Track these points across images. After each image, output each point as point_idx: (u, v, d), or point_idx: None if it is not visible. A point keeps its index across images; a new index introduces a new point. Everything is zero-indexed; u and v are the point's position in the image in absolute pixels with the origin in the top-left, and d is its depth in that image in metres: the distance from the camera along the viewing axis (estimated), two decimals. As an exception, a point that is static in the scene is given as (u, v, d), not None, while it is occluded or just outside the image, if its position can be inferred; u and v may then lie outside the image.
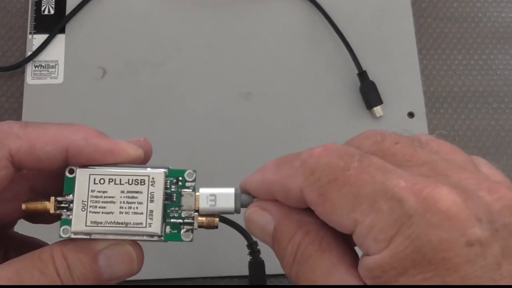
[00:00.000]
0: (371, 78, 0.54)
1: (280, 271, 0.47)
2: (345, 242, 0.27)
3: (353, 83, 0.54)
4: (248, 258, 0.35)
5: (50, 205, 0.30)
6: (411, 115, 0.54)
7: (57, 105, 0.53)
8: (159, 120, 0.53)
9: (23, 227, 0.38)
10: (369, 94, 0.53)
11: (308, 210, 0.27)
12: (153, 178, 0.30)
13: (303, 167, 0.26)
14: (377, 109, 0.53)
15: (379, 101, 0.53)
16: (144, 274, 0.48)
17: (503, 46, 0.57)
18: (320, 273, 0.26)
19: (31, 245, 0.35)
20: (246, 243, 0.35)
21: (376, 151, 0.26)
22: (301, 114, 0.54)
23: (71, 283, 0.29)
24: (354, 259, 0.26)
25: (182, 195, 0.30)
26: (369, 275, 0.24)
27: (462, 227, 0.22)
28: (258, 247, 0.35)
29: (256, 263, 0.36)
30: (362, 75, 0.54)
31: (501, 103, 0.55)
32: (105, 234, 0.29)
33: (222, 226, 0.33)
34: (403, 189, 0.23)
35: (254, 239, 0.34)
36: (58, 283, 0.28)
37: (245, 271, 0.36)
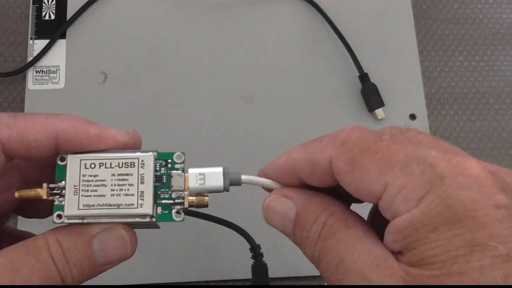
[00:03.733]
0: (372, 80, 0.54)
1: (283, 274, 0.48)
2: (367, 223, 0.27)
3: (354, 86, 0.54)
4: (251, 261, 0.35)
5: (42, 192, 0.30)
6: (412, 117, 0.54)
7: (59, 110, 0.53)
8: (160, 124, 0.53)
9: (18, 225, 0.39)
10: (371, 97, 0.53)
11: (330, 195, 0.28)
12: (142, 161, 0.30)
13: (333, 140, 0.27)
14: (379, 112, 0.53)
15: (380, 103, 0.53)
16: (147, 278, 0.48)
17: (504, 47, 0.57)
18: (346, 245, 0.26)
19: (24, 239, 0.35)
20: (249, 246, 0.34)
21: (402, 137, 0.27)
22: (302, 117, 0.54)
23: (66, 269, 0.29)
24: (378, 237, 0.26)
25: (172, 176, 0.31)
26: (399, 237, 0.24)
27: (490, 192, 0.23)
28: (261, 250, 0.35)
29: (259, 266, 0.35)
30: (363, 77, 0.54)
31: (503, 105, 0.55)
32: (98, 216, 0.30)
33: (224, 230, 0.33)
34: (435, 156, 0.25)
35: (257, 242, 0.34)
36: (53, 268, 0.29)
37: (248, 275, 0.36)
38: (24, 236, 0.36)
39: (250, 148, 0.52)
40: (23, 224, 0.47)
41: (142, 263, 0.48)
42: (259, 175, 0.31)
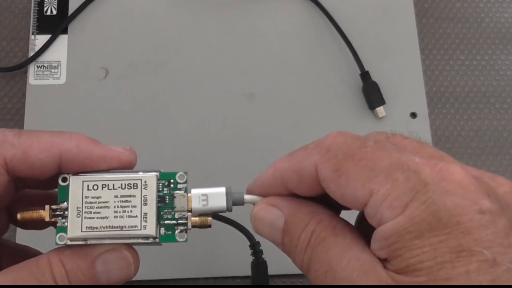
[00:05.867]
0: (373, 78, 0.54)
1: (282, 271, 0.48)
2: (356, 230, 0.27)
3: (355, 84, 0.54)
4: (251, 258, 0.35)
5: (45, 214, 0.30)
6: (413, 115, 0.54)
7: (60, 106, 0.53)
8: (161, 121, 0.53)
9: (19, 235, 0.39)
10: (372, 95, 0.53)
11: (318, 203, 0.28)
12: (145, 182, 0.30)
13: (318, 147, 0.27)
14: (380, 110, 0.53)
15: (381, 102, 0.53)
16: (146, 274, 0.48)
17: (506, 46, 0.57)
18: (334, 252, 0.26)
19: (24, 253, 0.35)
20: (248, 243, 0.35)
21: (387, 143, 0.27)
22: (303, 114, 0.54)
23: None
24: (366, 243, 0.26)
25: (175, 197, 0.30)
26: (384, 244, 0.24)
27: (474, 197, 0.23)
28: (260, 248, 0.35)
29: (259, 264, 0.36)
30: (365, 75, 0.54)
31: (504, 104, 0.55)
32: (101, 238, 0.29)
33: (224, 226, 0.33)
34: (419, 163, 0.25)
35: (257, 239, 0.34)
36: None
37: (247, 272, 0.36)
38: (24, 250, 0.36)
39: (250, 145, 0.52)
40: (22, 236, 0.47)
41: (140, 259, 0.48)
42: (247, 190, 0.31)
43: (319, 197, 0.29)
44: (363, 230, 0.27)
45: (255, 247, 0.35)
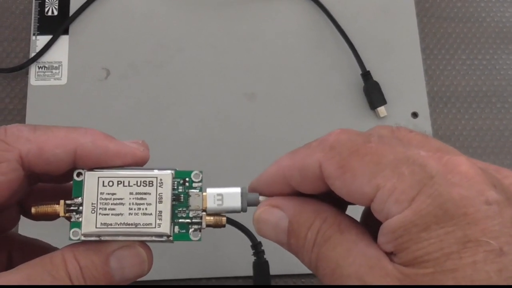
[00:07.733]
0: (374, 78, 0.54)
1: (284, 271, 0.48)
2: (361, 226, 0.27)
3: (356, 84, 0.54)
4: (253, 258, 0.35)
5: (59, 208, 0.30)
6: (415, 115, 0.54)
7: (61, 106, 0.53)
8: (162, 121, 0.53)
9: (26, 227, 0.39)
10: (373, 94, 0.53)
11: (321, 200, 0.28)
12: (161, 179, 0.30)
13: (321, 144, 0.27)
14: (381, 109, 0.53)
15: (383, 101, 0.53)
16: (149, 274, 0.48)
17: (507, 46, 0.57)
18: (340, 250, 0.26)
19: (34, 246, 0.35)
20: (250, 243, 0.34)
21: (392, 138, 0.28)
22: (304, 114, 0.54)
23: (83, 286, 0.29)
24: (373, 238, 0.26)
25: (190, 196, 0.30)
26: (391, 238, 0.24)
27: (480, 188, 0.24)
28: (262, 248, 0.35)
29: (261, 264, 0.35)
30: (366, 75, 0.54)
31: (505, 103, 0.55)
32: (115, 235, 0.29)
33: (227, 227, 0.33)
34: (424, 156, 0.25)
35: (259, 239, 0.34)
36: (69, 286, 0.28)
37: (249, 272, 0.36)
38: (33, 243, 0.36)
39: (251, 145, 0.52)
40: (24, 228, 0.47)
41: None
42: (250, 188, 0.31)
43: (322, 194, 0.28)
44: (368, 225, 0.27)
45: (257, 247, 0.35)
